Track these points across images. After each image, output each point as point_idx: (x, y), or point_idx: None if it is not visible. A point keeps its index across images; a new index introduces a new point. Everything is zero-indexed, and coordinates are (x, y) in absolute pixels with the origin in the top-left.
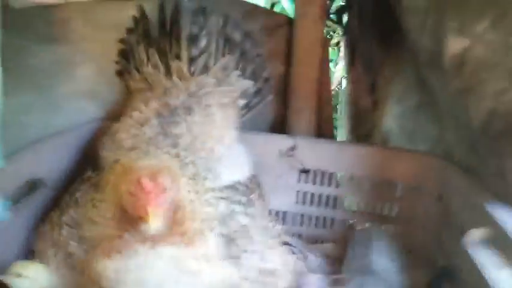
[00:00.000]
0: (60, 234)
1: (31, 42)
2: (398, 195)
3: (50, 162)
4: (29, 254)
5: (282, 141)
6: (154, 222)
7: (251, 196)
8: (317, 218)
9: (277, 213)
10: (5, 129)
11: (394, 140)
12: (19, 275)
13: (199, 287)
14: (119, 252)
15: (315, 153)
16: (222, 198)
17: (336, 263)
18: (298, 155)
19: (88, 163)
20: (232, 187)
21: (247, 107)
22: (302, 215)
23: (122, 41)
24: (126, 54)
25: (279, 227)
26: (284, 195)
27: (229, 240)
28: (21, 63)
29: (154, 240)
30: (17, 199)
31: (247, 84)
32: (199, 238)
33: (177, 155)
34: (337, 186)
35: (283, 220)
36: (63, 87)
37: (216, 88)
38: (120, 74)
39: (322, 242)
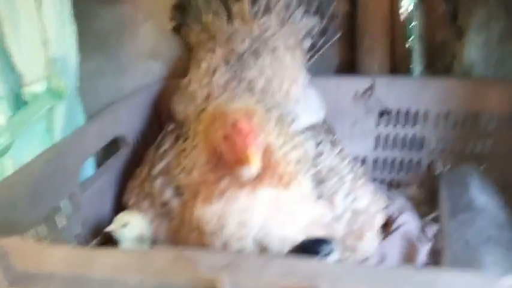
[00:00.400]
0: (152, 187)
1: (94, 4)
2: (492, 128)
3: (128, 121)
4: (121, 208)
5: (357, 83)
6: (255, 163)
7: (334, 136)
8: (401, 162)
9: (355, 159)
10: (81, 95)
11: (478, 72)
12: (125, 225)
13: (297, 227)
14: (219, 197)
15: (395, 91)
16: (308, 139)
17: (422, 205)
18: (376, 95)
19: (162, 119)
20: (313, 128)
21: (313, 49)
22: (384, 160)
23: None
24: (182, 8)
25: (361, 168)
26: (361, 142)
27: (321, 181)
28: (88, 26)
29: (253, 183)
30: (103, 157)
31: (313, 22)
32: (294, 181)
33: (258, 100)
34: (423, 125)
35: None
36: (128, 49)
37: (280, 29)
38: (176, 29)
39: (405, 186)
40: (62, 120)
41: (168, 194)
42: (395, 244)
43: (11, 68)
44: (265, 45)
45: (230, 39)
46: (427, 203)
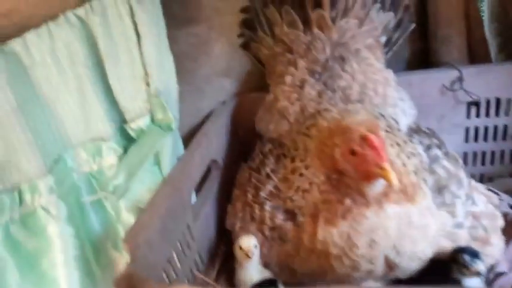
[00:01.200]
0: (262, 210)
1: (171, 28)
2: None
3: (218, 142)
4: (225, 232)
5: (444, 75)
6: (394, 176)
7: (438, 136)
8: (492, 154)
9: None
10: None
11: None
12: (255, 246)
13: (427, 240)
14: (344, 217)
15: (484, 81)
16: (419, 145)
17: None
18: (465, 86)
19: (240, 135)
20: (418, 131)
21: (389, 43)
22: (474, 153)
23: (243, 9)
24: (250, 23)
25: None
26: (450, 136)
27: (441, 188)
28: None
29: (379, 200)
30: (202, 182)
31: (389, 17)
32: (419, 192)
33: (362, 108)
34: None
35: None
36: (204, 69)
37: (359, 29)
38: (245, 46)
39: (498, 179)
40: (169, 152)
41: (280, 217)
42: None
43: (115, 105)
44: (348, 48)
45: (309, 49)
46: None
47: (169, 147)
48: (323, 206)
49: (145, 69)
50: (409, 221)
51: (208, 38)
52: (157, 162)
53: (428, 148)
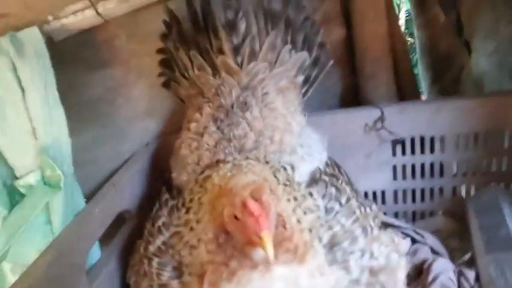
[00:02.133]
0: (150, 266)
1: (83, 73)
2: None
3: (131, 191)
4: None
5: (367, 114)
6: (270, 247)
7: (340, 184)
8: (422, 191)
9: (374, 194)
10: (81, 168)
11: (490, 82)
12: None
13: None
14: (229, 280)
15: (407, 119)
16: (319, 197)
17: (452, 238)
18: (388, 125)
19: (161, 183)
20: (319, 181)
21: (308, 82)
22: (404, 191)
23: (160, 50)
24: (168, 63)
25: (376, 208)
26: (378, 174)
27: (334, 244)
28: (79, 98)
29: (266, 263)
30: (108, 236)
31: (302, 56)
32: (310, 252)
33: (260, 160)
34: (441, 150)
35: (382, 200)
36: (124, 111)
37: (269, 72)
38: (166, 85)
39: (430, 215)
40: (60, 209)
41: (166, 275)
42: None
43: (2, 161)
44: (254, 93)
45: (217, 93)
46: (457, 235)
47: (61, 204)
48: (208, 266)
49: (32, 124)
50: (297, 284)
51: (126, 80)
52: (49, 222)
53: (325, 199)
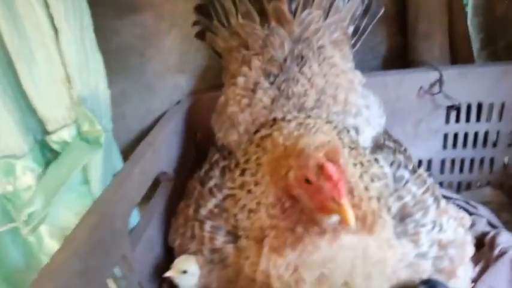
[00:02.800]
0: (201, 229)
1: (112, 17)
2: None
3: (167, 152)
4: (169, 249)
5: (422, 76)
6: (351, 215)
7: (405, 151)
8: (471, 161)
9: (419, 163)
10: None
11: None
12: (185, 271)
13: (384, 276)
14: (293, 247)
15: (468, 84)
16: (386, 164)
17: (503, 211)
18: (445, 89)
19: (198, 138)
20: (384, 147)
21: (356, 34)
22: (452, 160)
23: None
24: (205, 9)
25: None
26: (427, 142)
27: (405, 215)
28: (106, 46)
29: (334, 229)
30: (147, 198)
31: (356, 3)
32: (379, 222)
33: (322, 118)
34: (499, 119)
35: (427, 169)
36: (154, 65)
37: (323, 22)
38: (201, 36)
39: (477, 187)
40: (99, 169)
41: (220, 239)
42: (503, 273)
43: (31, 113)
44: (310, 45)
45: (266, 45)
46: (506, 207)
47: (100, 163)
48: (270, 231)
49: (66, 71)
50: (365, 255)
51: (158, 28)
52: (86, 182)
53: (393, 167)
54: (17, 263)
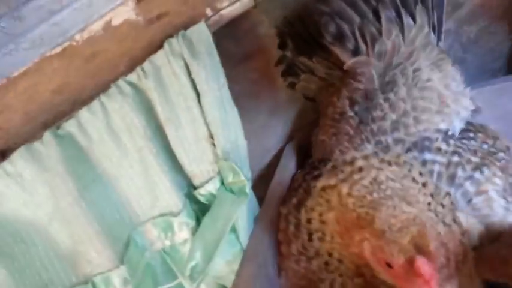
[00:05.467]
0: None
1: (226, 67)
2: None
3: None
4: None
5: None
6: None
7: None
8: None
9: None
10: None
11: None
12: None
13: None
14: None
15: None
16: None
17: None
18: None
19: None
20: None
21: (434, 31)
22: None
23: (278, 62)
24: (291, 70)
25: None
26: None
27: None
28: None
29: None
30: None
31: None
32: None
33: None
34: None
35: None
36: (267, 104)
37: (412, 45)
38: (292, 86)
39: None
40: (245, 216)
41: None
42: None
43: (180, 172)
44: (403, 71)
45: (355, 74)
46: None
47: (245, 211)
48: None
49: (209, 129)
50: None
51: (269, 71)
52: (234, 230)
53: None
54: None
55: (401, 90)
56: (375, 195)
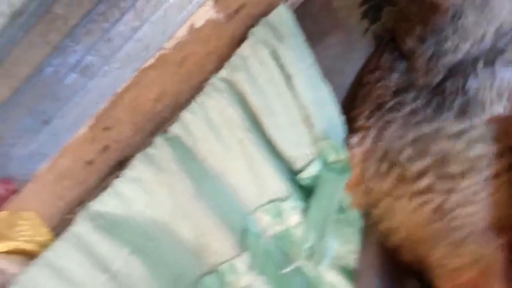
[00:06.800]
0: None
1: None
2: None
3: None
4: None
5: None
6: None
7: None
8: None
9: None
10: None
11: None
12: None
13: None
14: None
15: None
16: None
17: None
18: None
19: None
20: None
21: None
22: None
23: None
24: (372, 7)
25: None
26: None
27: None
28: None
29: None
30: None
31: None
32: None
33: None
34: None
35: None
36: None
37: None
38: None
39: None
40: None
41: None
42: None
43: (279, 157)
44: None
45: None
46: None
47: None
48: None
49: (305, 110)
50: None
51: (350, 43)
52: (343, 210)
53: None
54: None
55: None
56: None
